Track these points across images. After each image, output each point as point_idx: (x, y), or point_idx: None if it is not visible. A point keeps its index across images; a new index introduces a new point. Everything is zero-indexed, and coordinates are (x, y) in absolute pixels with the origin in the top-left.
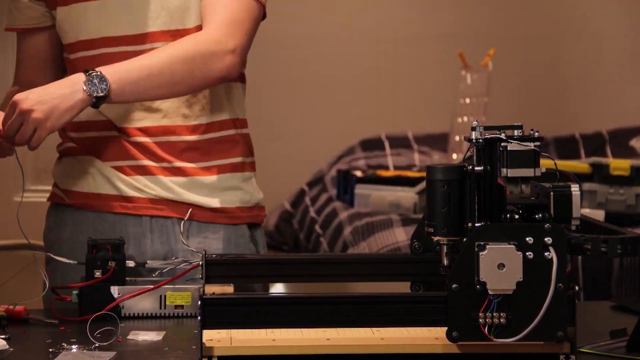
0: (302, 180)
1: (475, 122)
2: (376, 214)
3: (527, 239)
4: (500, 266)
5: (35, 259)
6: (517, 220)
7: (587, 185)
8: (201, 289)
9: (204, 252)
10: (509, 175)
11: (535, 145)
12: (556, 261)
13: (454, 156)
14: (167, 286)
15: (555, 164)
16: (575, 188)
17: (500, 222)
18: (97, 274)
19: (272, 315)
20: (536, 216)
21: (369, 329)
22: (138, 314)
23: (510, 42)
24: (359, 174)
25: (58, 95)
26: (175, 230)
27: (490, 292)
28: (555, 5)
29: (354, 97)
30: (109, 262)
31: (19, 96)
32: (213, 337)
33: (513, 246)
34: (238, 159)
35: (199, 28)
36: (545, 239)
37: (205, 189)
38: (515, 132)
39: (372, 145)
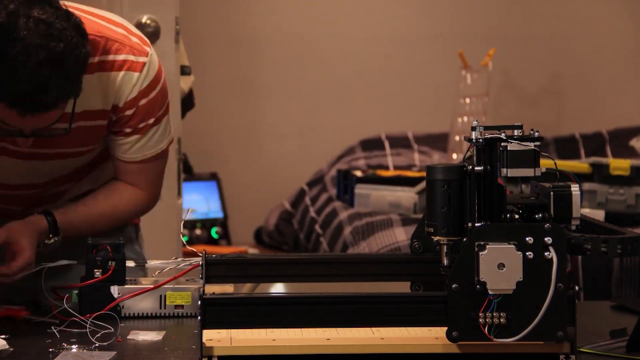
0: (302, 180)
1: (475, 122)
2: (376, 214)
3: (527, 238)
4: (500, 266)
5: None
6: (517, 220)
7: (587, 185)
8: (201, 289)
9: (204, 252)
10: (509, 175)
11: (535, 145)
12: (556, 261)
13: (454, 156)
14: (167, 286)
15: (555, 164)
16: (575, 188)
17: (500, 222)
18: (97, 274)
19: (272, 315)
20: (536, 216)
21: (369, 329)
22: (138, 313)
23: (510, 42)
24: (359, 174)
25: None
26: None
27: (490, 292)
28: (555, 5)
29: (354, 97)
30: (109, 262)
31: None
32: (213, 337)
33: (513, 246)
34: None
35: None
36: (545, 239)
37: None
38: (515, 132)
39: (372, 145)
